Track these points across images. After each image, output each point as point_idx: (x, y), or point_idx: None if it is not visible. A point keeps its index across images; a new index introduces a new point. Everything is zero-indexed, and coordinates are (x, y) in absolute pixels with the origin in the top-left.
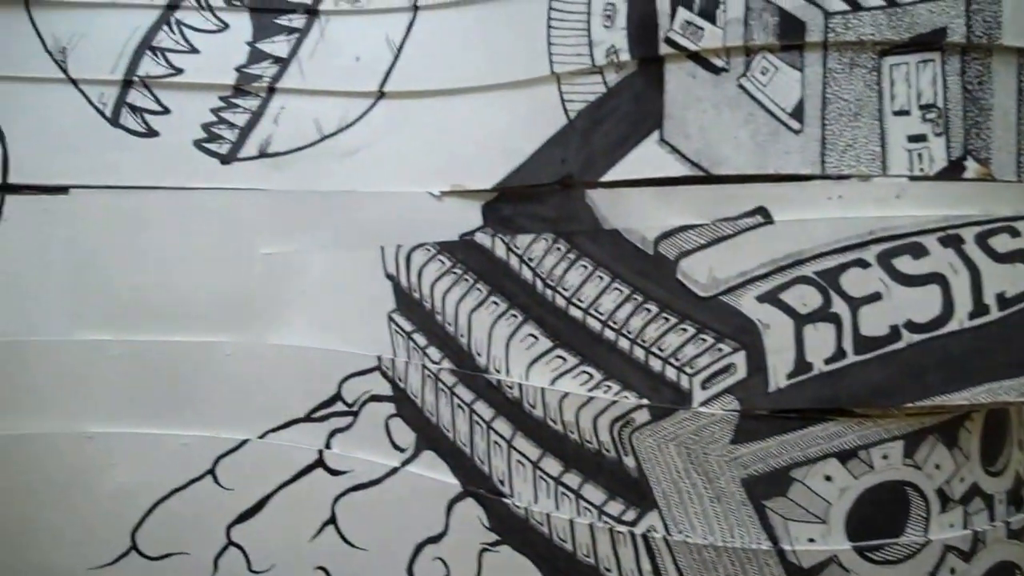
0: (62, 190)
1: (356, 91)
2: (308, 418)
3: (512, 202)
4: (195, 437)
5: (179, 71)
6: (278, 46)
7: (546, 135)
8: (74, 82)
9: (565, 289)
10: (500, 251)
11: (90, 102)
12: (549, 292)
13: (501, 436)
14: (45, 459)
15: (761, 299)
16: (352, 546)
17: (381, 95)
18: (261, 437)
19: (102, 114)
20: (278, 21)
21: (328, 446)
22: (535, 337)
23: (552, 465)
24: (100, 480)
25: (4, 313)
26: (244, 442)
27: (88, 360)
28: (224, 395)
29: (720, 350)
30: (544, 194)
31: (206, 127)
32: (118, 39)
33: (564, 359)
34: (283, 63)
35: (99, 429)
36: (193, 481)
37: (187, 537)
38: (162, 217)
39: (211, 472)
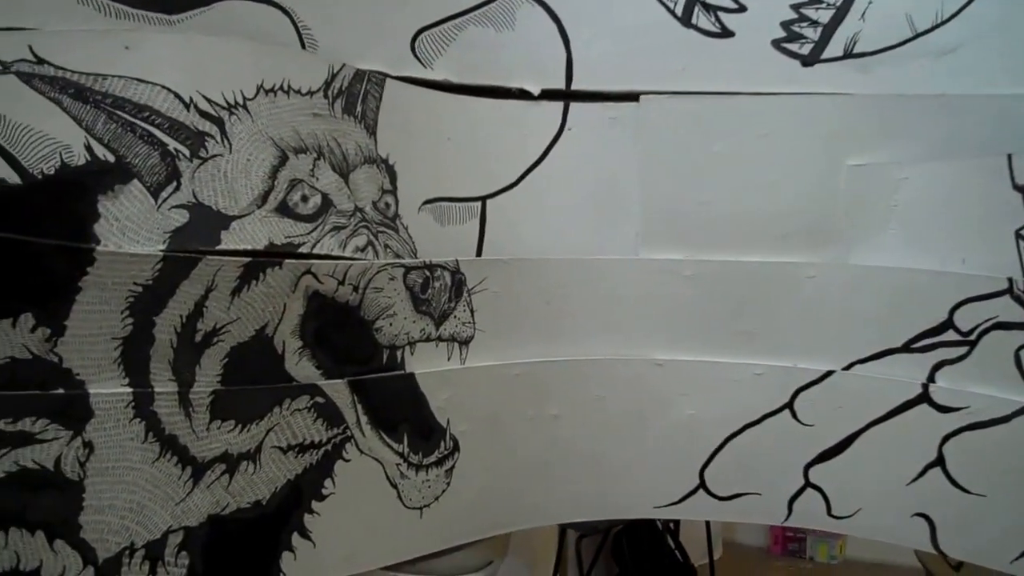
0: (631, 97)
1: None
2: (907, 348)
3: None
4: (771, 367)
5: None
6: None
7: None
8: None
9: None
10: None
11: (660, 1)
12: None
13: None
14: (613, 386)
15: None
16: (965, 491)
17: None
18: (846, 368)
19: (673, 14)
20: None
21: (932, 379)
22: None
23: None
24: (669, 412)
25: (569, 229)
26: (828, 374)
27: (657, 282)
28: (804, 322)
29: None
30: None
31: (786, 25)
32: None
33: None
34: None
35: (668, 356)
36: (768, 415)
37: (759, 476)
38: (736, 126)
39: (788, 406)
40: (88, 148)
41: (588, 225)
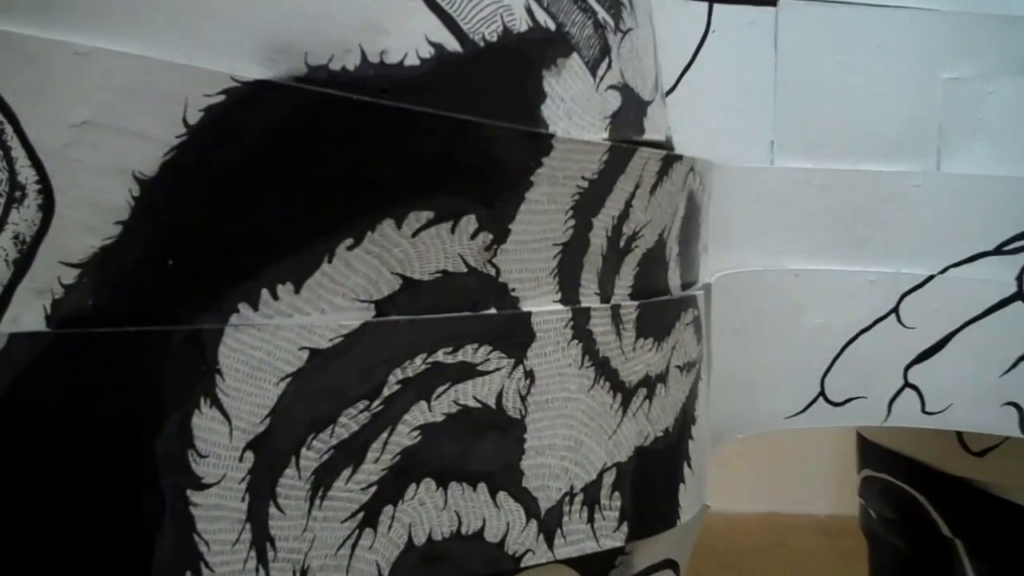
0: (770, 1)
1: None
2: (998, 251)
3: None
4: (881, 273)
5: None
6: None
7: None
8: None
9: None
10: None
11: None
12: None
13: None
14: (757, 298)
15: None
16: None
17: None
18: (942, 272)
19: None
20: None
21: (1020, 278)
22: None
23: None
24: (795, 322)
25: (712, 136)
26: (929, 278)
27: (792, 190)
28: (908, 229)
29: None
30: None
31: None
32: None
33: None
34: None
35: (802, 266)
36: (878, 320)
37: (867, 380)
38: (858, 36)
39: (895, 310)
40: (528, 11)
41: (728, 132)
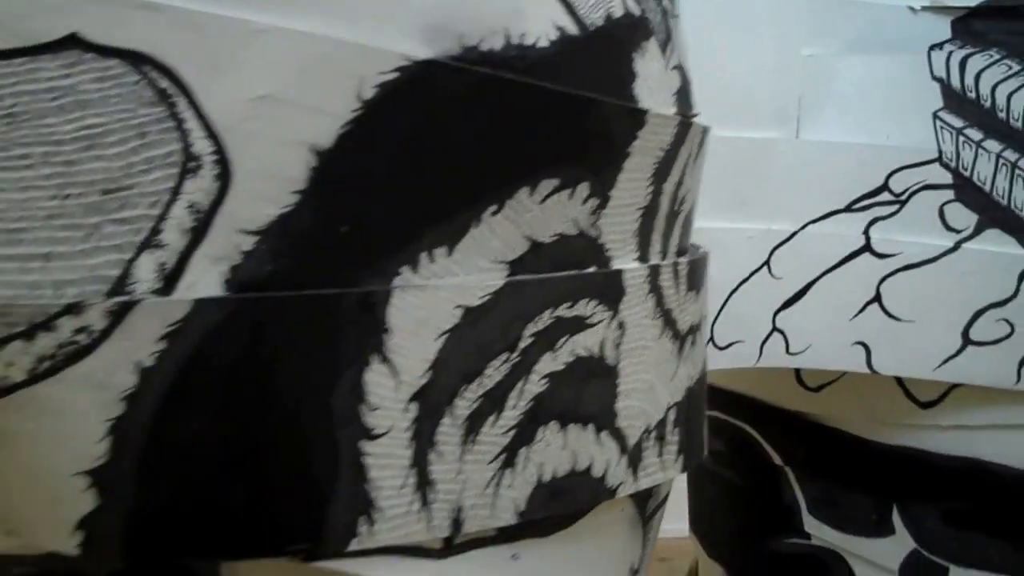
0: None
1: None
2: (848, 209)
3: (986, 18)
4: (758, 230)
5: None
6: None
7: None
8: None
9: None
10: None
11: None
12: None
13: None
14: None
15: None
16: (896, 319)
17: None
18: (802, 228)
19: None
20: None
21: (867, 232)
22: None
23: None
24: None
25: None
26: (794, 234)
27: None
28: (777, 190)
29: None
30: None
31: None
32: None
33: None
34: None
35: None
36: (754, 272)
37: (743, 325)
38: (728, 18)
39: (767, 263)
40: None
41: None
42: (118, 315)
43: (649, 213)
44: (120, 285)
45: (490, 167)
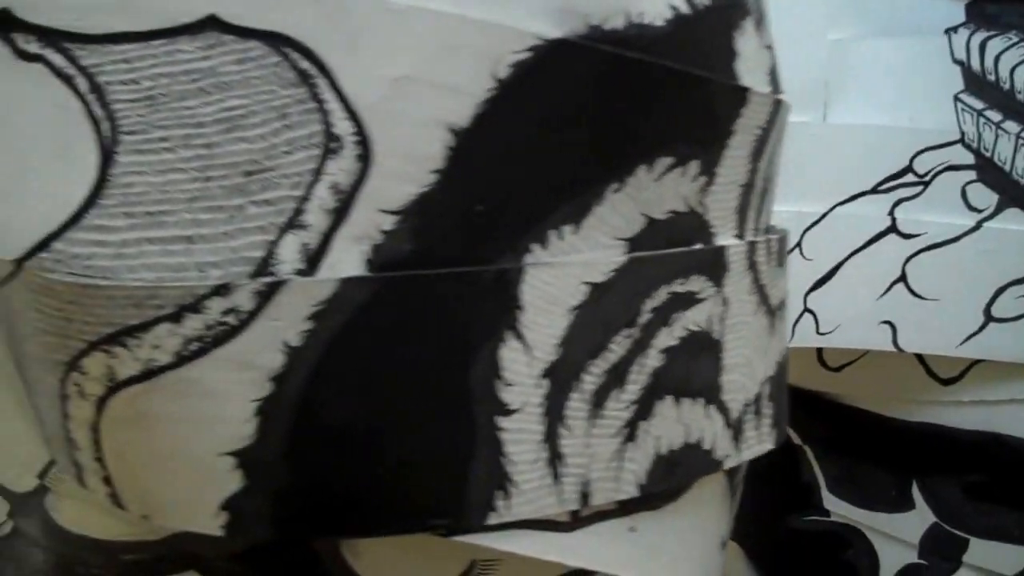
0: None
1: None
2: (874, 190)
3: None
4: (790, 212)
5: None
6: None
7: None
8: None
9: None
10: None
11: None
12: None
13: None
14: None
15: None
16: (921, 298)
17: None
18: (831, 210)
19: None
20: None
21: (892, 213)
22: None
23: None
24: None
25: None
26: (823, 216)
27: None
28: (809, 172)
29: None
30: None
31: None
32: None
33: None
34: None
35: None
36: (788, 252)
37: None
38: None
39: (799, 245)
40: None
41: None
42: (266, 296)
43: (747, 191)
44: (264, 266)
45: (615, 145)
